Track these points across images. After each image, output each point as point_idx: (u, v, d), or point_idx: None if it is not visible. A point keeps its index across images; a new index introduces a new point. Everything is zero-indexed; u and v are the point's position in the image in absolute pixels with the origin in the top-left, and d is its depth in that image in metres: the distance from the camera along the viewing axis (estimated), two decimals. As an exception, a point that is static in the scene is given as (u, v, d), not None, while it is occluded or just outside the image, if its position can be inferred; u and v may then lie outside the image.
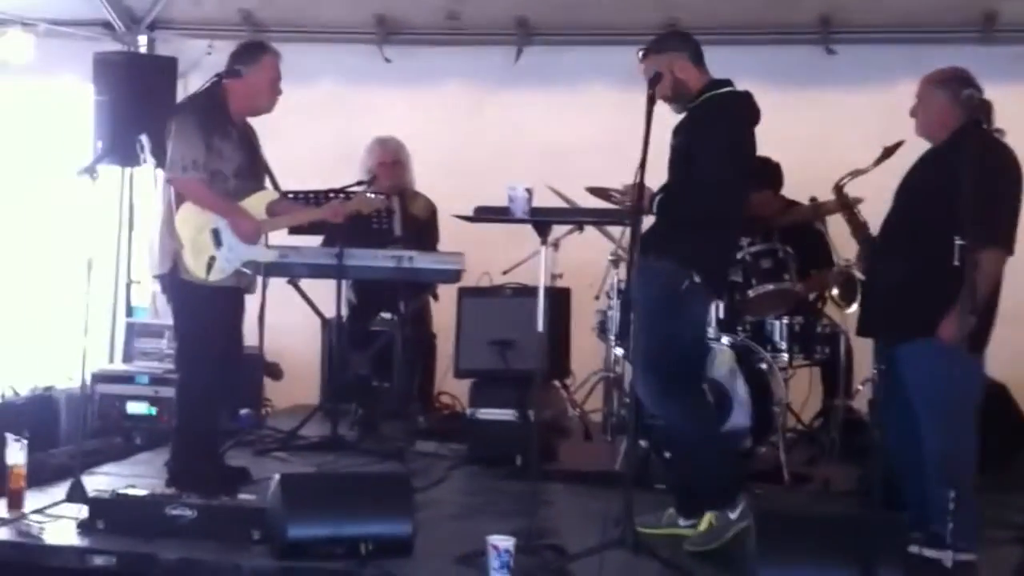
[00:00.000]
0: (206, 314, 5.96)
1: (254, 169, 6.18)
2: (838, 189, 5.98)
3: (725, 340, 6.61)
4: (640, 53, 5.47)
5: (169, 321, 8.05)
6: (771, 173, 7.28)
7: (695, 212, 5.24)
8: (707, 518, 5.24)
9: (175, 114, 6.05)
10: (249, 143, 6.15)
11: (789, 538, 4.68)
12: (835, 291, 6.58)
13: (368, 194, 6.66)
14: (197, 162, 5.88)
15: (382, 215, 7.20)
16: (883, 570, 4.47)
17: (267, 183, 6.33)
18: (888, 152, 5.85)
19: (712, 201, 5.17)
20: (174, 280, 5.98)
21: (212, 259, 5.90)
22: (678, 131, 5.35)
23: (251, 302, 7.01)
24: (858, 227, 5.81)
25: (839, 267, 6.75)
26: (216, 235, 5.94)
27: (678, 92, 5.38)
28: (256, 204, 6.10)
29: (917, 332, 5.04)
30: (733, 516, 5.19)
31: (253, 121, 6.25)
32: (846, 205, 5.93)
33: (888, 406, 5.27)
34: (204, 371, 6.00)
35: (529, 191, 5.11)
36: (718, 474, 5.33)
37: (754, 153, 5.46)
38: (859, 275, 6.16)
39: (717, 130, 5.28)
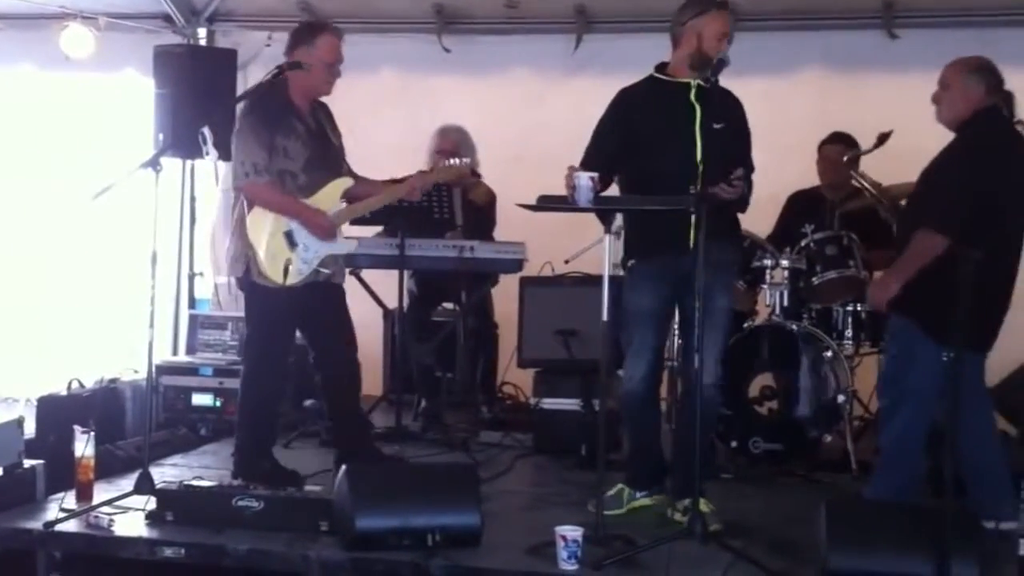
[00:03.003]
0: (277, 317, 5.93)
1: (327, 158, 6.05)
2: (848, 163, 6.22)
3: (791, 328, 6.58)
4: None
5: (231, 313, 8.19)
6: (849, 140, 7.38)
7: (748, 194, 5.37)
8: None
9: (239, 119, 5.97)
10: (320, 131, 6.05)
11: (860, 526, 4.65)
12: None
13: (450, 161, 6.48)
14: (258, 166, 5.82)
15: (443, 204, 7.17)
16: (957, 560, 4.43)
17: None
18: (882, 138, 6.05)
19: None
20: (247, 283, 5.97)
21: (288, 262, 5.83)
22: (716, 115, 5.31)
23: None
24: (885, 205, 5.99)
25: None
26: (290, 237, 5.88)
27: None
28: (331, 194, 6.00)
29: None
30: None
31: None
32: (860, 177, 6.16)
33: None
34: (267, 372, 6.01)
35: (592, 179, 5.07)
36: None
37: None
38: None
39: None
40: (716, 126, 5.28)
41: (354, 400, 6.26)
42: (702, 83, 5.30)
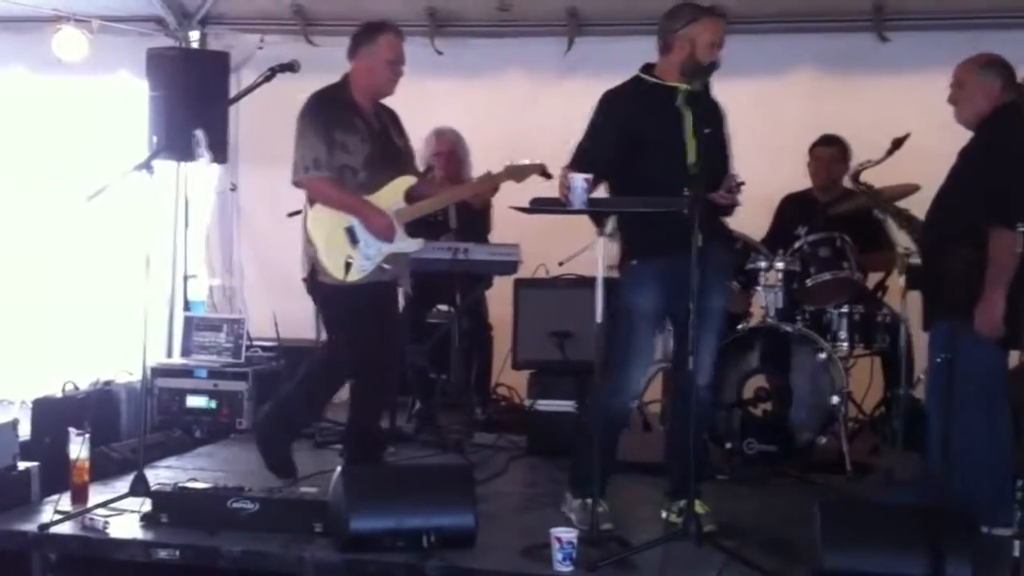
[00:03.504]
0: (350, 317, 5.87)
1: (389, 157, 5.98)
2: (855, 178, 5.99)
3: (785, 329, 6.60)
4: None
5: (226, 315, 8.19)
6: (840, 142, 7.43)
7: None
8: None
9: (299, 117, 5.91)
10: (382, 130, 5.99)
11: (855, 526, 4.67)
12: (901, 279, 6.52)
13: (523, 161, 6.23)
14: (318, 160, 5.77)
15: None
16: (951, 559, 4.44)
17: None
18: (897, 143, 5.91)
19: None
20: (314, 284, 5.92)
21: (349, 258, 5.78)
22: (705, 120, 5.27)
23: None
24: (896, 214, 5.87)
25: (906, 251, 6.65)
26: (351, 233, 5.81)
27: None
28: (393, 192, 5.93)
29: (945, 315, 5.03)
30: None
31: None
32: (867, 192, 6.01)
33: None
34: (336, 377, 6.03)
35: (587, 181, 5.08)
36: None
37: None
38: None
39: None
40: (706, 131, 5.26)
41: (376, 417, 6.24)
42: (691, 88, 5.30)
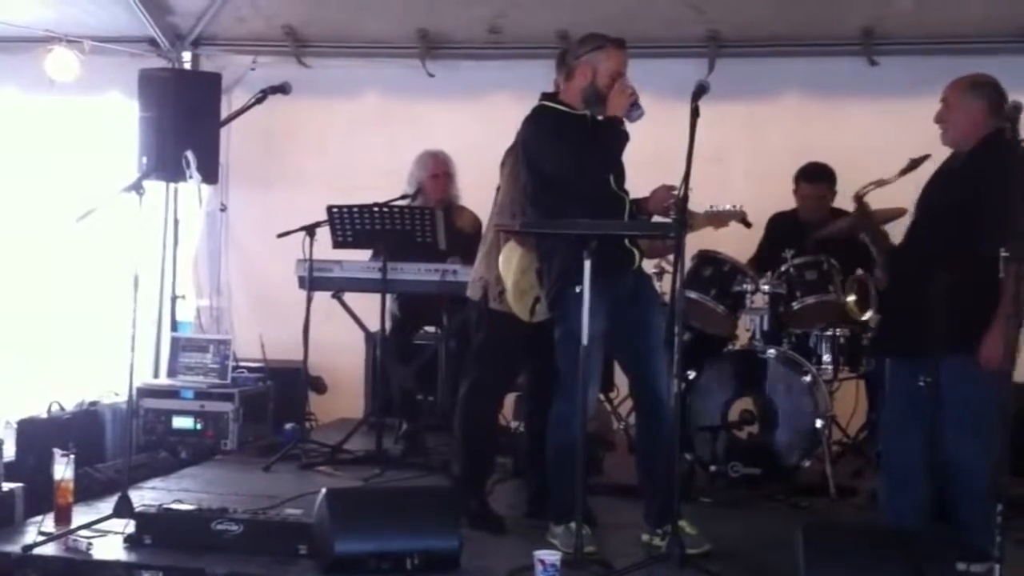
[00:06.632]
0: (511, 345, 5.82)
1: None
2: (858, 199, 5.91)
3: (771, 352, 6.61)
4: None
5: (213, 336, 8.18)
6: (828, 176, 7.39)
7: None
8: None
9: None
10: None
11: (837, 549, 4.68)
12: (851, 298, 6.52)
13: (725, 206, 5.97)
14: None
15: (426, 228, 7.17)
16: (933, 584, 4.46)
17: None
18: (915, 163, 5.81)
19: None
20: (482, 308, 5.89)
21: (537, 299, 5.64)
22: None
23: (295, 315, 7.05)
24: (879, 238, 5.82)
25: (854, 276, 6.67)
26: (540, 275, 5.64)
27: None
28: None
29: (958, 348, 4.90)
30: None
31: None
32: (865, 214, 5.92)
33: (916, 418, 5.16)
34: (493, 401, 5.99)
35: None
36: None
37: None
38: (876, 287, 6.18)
39: None
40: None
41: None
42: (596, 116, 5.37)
